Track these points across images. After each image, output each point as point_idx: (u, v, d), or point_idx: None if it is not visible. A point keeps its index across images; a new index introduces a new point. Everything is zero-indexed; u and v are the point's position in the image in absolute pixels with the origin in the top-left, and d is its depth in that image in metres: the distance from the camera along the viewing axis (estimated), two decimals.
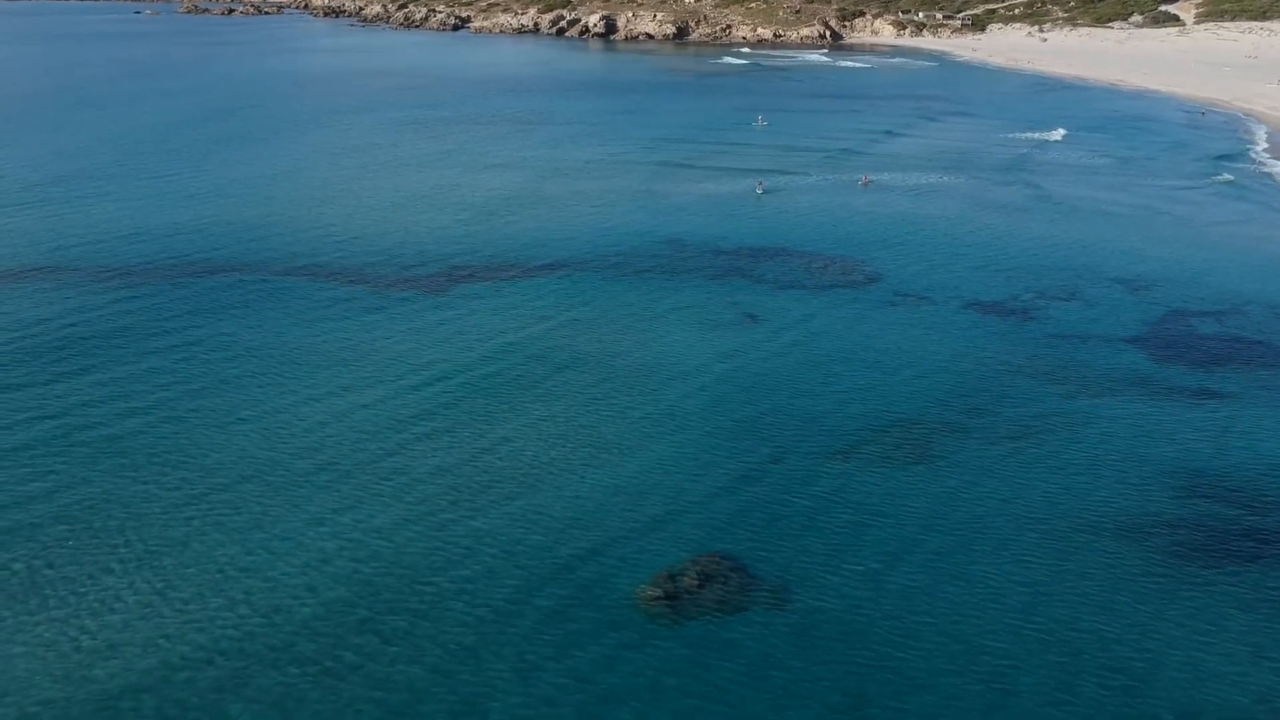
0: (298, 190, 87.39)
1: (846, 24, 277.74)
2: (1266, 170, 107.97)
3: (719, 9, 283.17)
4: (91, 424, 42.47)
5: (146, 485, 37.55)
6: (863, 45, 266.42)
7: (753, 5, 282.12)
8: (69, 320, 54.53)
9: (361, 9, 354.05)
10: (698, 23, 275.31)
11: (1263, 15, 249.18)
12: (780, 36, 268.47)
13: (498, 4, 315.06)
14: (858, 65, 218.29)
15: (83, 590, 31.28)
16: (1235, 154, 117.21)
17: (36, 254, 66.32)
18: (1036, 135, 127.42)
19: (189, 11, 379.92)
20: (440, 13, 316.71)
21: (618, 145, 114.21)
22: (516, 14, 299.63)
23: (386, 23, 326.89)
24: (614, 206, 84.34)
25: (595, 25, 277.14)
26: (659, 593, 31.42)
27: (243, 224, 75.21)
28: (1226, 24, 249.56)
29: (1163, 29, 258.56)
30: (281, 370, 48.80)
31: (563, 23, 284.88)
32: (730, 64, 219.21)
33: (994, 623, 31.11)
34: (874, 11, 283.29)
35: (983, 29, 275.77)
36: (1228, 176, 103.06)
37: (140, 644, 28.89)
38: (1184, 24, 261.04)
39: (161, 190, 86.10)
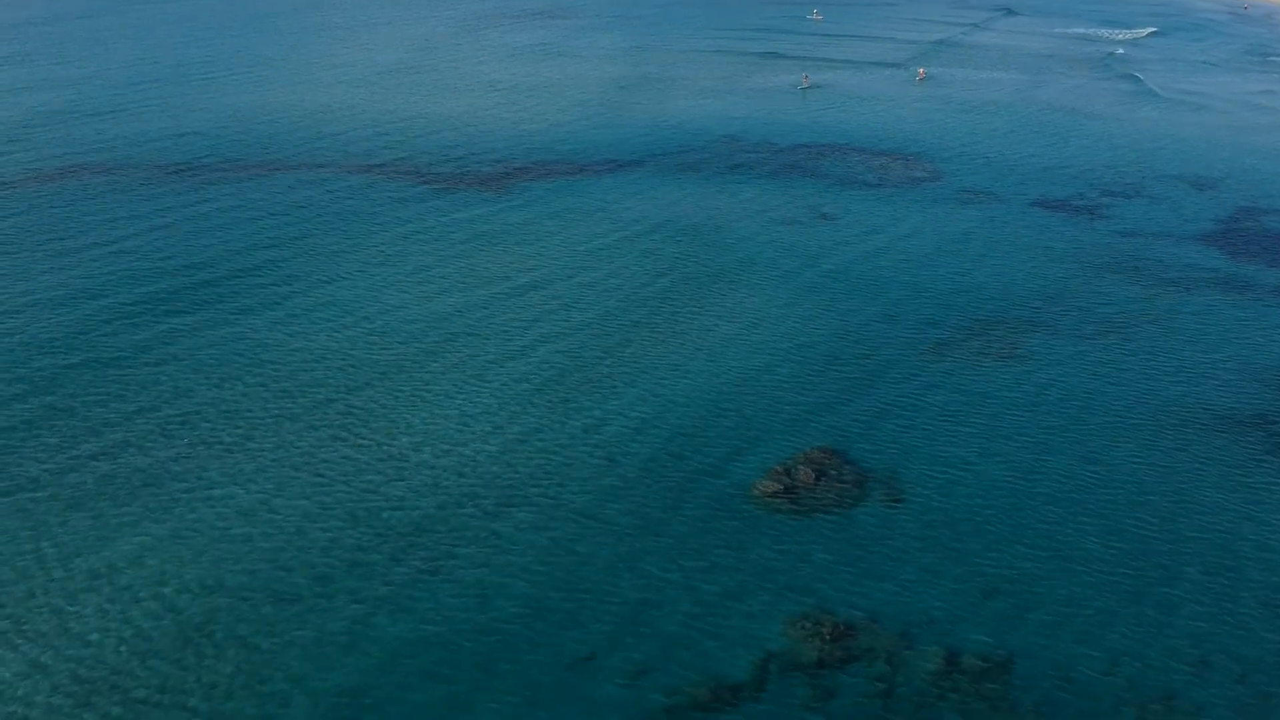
0: (346, 85, 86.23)
1: None
2: None
3: None
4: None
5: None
6: None
7: None
8: (166, 216, 54.59)
9: None
10: None
11: None
12: None
13: None
14: None
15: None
16: None
17: (98, 153, 65.94)
18: (1113, 33, 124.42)
19: None
20: None
21: (668, 38, 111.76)
22: None
23: None
24: (672, 100, 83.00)
25: None
26: (777, 486, 31.91)
27: (300, 118, 74.59)
28: None
29: None
30: (356, 266, 49.02)
31: None
32: None
33: (1105, 516, 31.58)
34: None
35: None
36: None
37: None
38: None
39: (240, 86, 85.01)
